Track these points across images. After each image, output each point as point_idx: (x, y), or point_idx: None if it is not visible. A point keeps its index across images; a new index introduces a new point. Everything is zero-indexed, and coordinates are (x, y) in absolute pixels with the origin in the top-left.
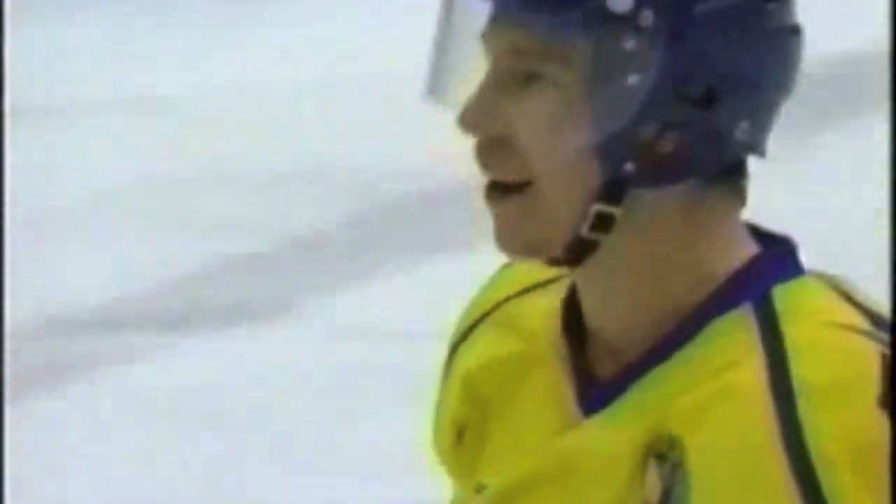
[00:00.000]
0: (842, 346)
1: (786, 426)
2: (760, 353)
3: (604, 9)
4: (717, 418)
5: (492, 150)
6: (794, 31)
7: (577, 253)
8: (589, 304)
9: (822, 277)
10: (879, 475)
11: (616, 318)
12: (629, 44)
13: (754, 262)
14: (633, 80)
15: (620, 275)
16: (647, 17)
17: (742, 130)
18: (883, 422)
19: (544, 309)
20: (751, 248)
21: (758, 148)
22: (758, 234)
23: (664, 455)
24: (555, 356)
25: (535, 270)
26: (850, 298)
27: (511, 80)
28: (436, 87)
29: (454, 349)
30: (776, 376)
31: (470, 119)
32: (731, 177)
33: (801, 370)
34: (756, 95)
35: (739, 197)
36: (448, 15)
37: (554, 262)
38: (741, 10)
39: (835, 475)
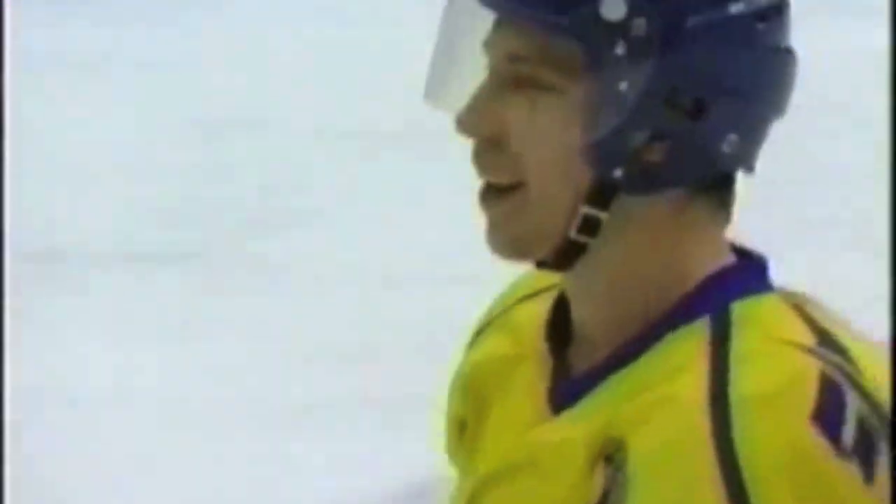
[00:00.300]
0: (779, 360)
1: (719, 436)
2: (706, 363)
3: (597, 16)
4: (657, 425)
5: (487, 152)
6: (786, 51)
7: (565, 255)
8: (574, 306)
9: (786, 294)
10: (812, 488)
11: (595, 319)
12: (621, 52)
13: (722, 275)
14: (624, 87)
15: (601, 278)
16: (639, 26)
17: (730, 143)
18: (816, 437)
19: (537, 312)
20: (728, 263)
21: (745, 162)
22: (738, 252)
23: (611, 457)
24: (538, 356)
25: (540, 279)
26: (805, 316)
27: (508, 84)
28: (435, 91)
29: (466, 353)
30: (716, 387)
31: (467, 121)
32: (717, 190)
33: (738, 382)
34: (745, 109)
35: (725, 211)
36: (448, 23)
37: (542, 264)
38: (732, 26)
39: (762, 486)
